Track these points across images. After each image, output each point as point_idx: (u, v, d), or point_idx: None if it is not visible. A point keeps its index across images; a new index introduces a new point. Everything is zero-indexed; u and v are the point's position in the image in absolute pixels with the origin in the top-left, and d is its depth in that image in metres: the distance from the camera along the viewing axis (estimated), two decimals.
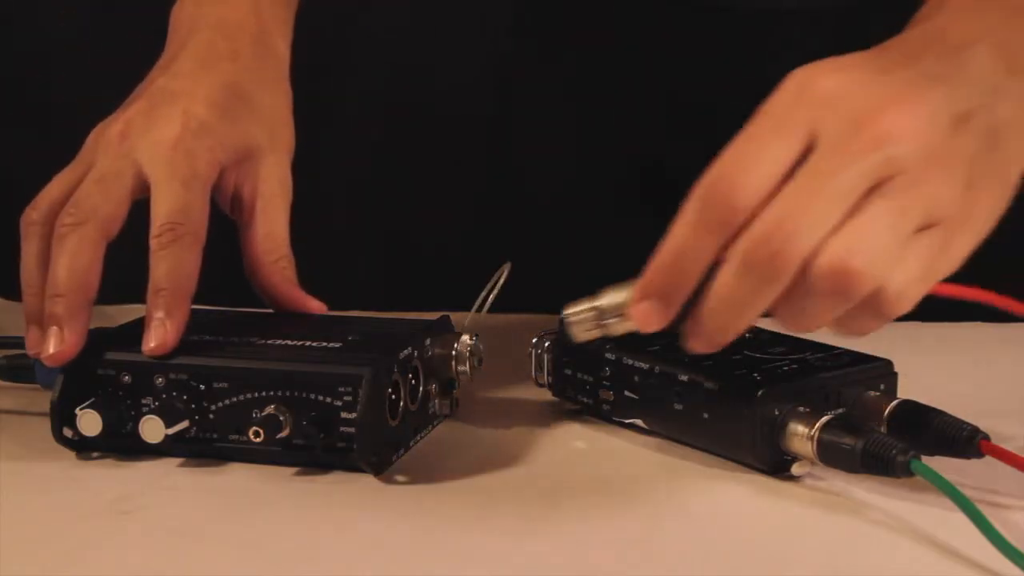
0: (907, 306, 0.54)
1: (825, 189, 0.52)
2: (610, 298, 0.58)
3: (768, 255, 0.52)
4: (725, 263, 0.54)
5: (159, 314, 0.64)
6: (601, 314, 0.58)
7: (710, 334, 0.55)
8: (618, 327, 0.58)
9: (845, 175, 0.52)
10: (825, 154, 0.53)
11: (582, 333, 0.59)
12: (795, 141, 0.53)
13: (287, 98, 0.75)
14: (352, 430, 0.60)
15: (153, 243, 0.66)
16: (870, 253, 0.52)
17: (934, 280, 0.55)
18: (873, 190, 0.52)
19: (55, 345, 0.63)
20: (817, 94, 0.54)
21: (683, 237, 0.54)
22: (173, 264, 0.65)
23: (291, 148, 0.74)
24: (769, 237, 0.52)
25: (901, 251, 0.53)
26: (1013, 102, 0.56)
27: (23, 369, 0.68)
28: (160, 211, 0.66)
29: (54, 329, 0.64)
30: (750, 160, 0.53)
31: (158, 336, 0.63)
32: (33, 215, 0.67)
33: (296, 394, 0.61)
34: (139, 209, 0.68)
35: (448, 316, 0.68)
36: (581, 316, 0.59)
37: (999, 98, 0.56)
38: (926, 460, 0.56)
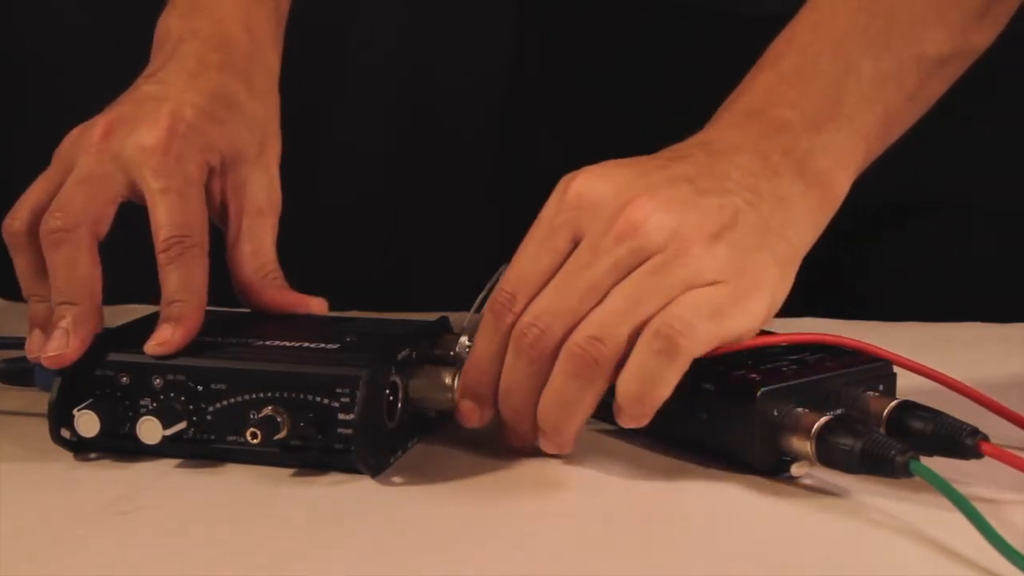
0: (688, 338, 0.58)
1: (576, 283, 0.60)
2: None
3: (529, 343, 0.60)
4: (513, 359, 0.61)
5: (169, 322, 0.64)
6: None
7: (513, 419, 0.62)
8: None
9: (597, 266, 0.60)
10: (581, 252, 0.60)
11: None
12: (560, 244, 0.61)
13: (276, 108, 0.75)
14: (350, 431, 0.60)
15: (161, 257, 0.66)
16: (605, 327, 0.59)
17: (720, 320, 0.59)
18: (625, 277, 0.59)
19: (57, 348, 0.63)
20: (576, 198, 0.61)
21: (482, 343, 0.62)
22: (184, 276, 0.65)
23: (279, 156, 0.74)
24: (528, 328, 0.60)
25: (635, 318, 0.59)
26: (771, 202, 0.62)
27: (23, 373, 0.68)
28: (162, 223, 0.66)
29: (58, 332, 0.64)
30: (523, 268, 0.61)
31: (164, 336, 0.63)
32: (16, 224, 0.67)
33: (294, 395, 0.61)
34: (135, 210, 0.68)
35: (447, 317, 0.68)
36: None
37: (759, 196, 0.62)
38: (925, 461, 0.56)
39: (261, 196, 0.72)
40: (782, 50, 0.67)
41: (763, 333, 0.66)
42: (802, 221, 0.63)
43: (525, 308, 0.61)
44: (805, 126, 0.64)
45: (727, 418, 0.61)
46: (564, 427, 0.61)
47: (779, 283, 0.62)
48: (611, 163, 0.63)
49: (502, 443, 0.65)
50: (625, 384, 0.59)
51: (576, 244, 0.61)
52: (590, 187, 0.61)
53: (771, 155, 0.64)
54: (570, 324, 0.60)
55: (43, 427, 0.63)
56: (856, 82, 0.65)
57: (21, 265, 0.67)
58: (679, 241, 0.59)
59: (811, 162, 0.64)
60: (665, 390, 0.59)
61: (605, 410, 0.66)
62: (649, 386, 0.59)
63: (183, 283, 0.65)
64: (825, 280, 0.91)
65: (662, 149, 0.65)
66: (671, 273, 0.59)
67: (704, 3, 0.88)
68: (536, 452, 0.63)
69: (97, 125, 0.69)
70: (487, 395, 0.62)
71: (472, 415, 0.63)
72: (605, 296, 0.60)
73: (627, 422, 0.60)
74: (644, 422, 0.60)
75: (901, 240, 0.90)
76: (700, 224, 0.60)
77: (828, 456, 0.58)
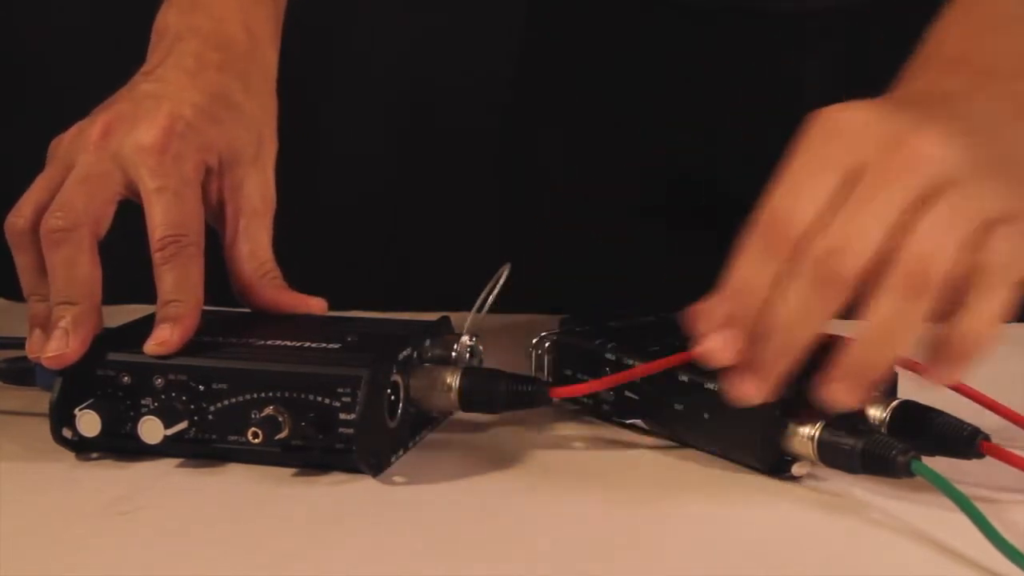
0: (1006, 279, 0.57)
1: (874, 207, 0.57)
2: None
3: (829, 270, 0.56)
4: (792, 281, 0.57)
5: (167, 322, 0.64)
6: None
7: (777, 351, 0.58)
8: None
9: (890, 193, 0.57)
10: (869, 179, 0.57)
11: None
12: (835, 174, 0.58)
13: (272, 108, 0.75)
14: (351, 431, 0.60)
15: (156, 257, 0.66)
16: (933, 243, 0.56)
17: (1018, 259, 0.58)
18: (924, 206, 0.56)
19: (58, 348, 0.63)
20: (846, 129, 0.58)
21: (747, 266, 0.58)
22: (181, 275, 0.65)
23: (275, 157, 0.74)
24: (834, 252, 0.56)
25: (963, 235, 0.56)
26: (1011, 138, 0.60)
27: (24, 372, 0.68)
28: (158, 223, 0.66)
29: (58, 332, 0.64)
30: (799, 193, 0.58)
31: (162, 336, 0.63)
32: (19, 223, 0.67)
33: (295, 395, 0.61)
34: (134, 210, 0.68)
35: (448, 317, 0.68)
36: None
37: (1000, 132, 0.60)
38: (926, 460, 0.56)
39: (257, 196, 0.72)
40: (969, 3, 0.66)
41: None
42: None
43: (802, 234, 0.57)
44: (1012, 73, 0.63)
45: (728, 418, 0.61)
46: (879, 360, 0.57)
47: None
48: (857, 101, 0.60)
49: (502, 443, 0.65)
50: (964, 320, 0.57)
51: (849, 175, 0.58)
52: (858, 117, 0.59)
53: (1000, 100, 0.62)
54: (874, 253, 0.56)
55: (44, 427, 0.63)
56: None
57: (23, 263, 0.67)
58: (972, 170, 0.57)
59: None
60: (996, 327, 0.57)
61: (606, 411, 0.66)
62: (992, 324, 0.57)
63: (179, 283, 0.65)
64: None
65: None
66: (975, 202, 0.57)
67: (705, 3, 0.88)
68: (536, 452, 0.63)
69: (96, 123, 0.69)
70: (747, 323, 0.58)
71: (728, 349, 0.59)
72: (905, 226, 0.56)
73: (952, 367, 0.57)
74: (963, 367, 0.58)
75: None
76: (977, 156, 0.58)
77: (829, 456, 0.58)
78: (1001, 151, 0.59)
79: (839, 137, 0.58)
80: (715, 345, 0.59)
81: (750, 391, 0.59)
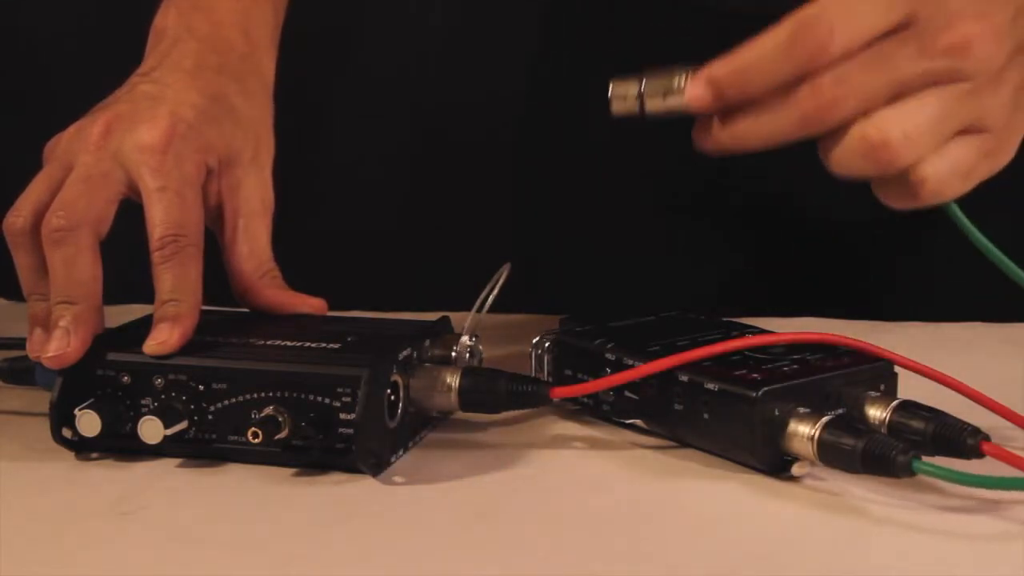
0: (938, 194, 0.61)
1: (895, 68, 0.59)
2: (654, 77, 0.63)
3: (821, 104, 0.59)
4: (792, 95, 0.59)
5: (166, 322, 0.64)
6: (646, 86, 0.63)
7: (729, 138, 0.62)
8: (655, 104, 0.63)
9: (917, 64, 0.59)
10: (907, 40, 0.59)
11: (620, 105, 0.64)
12: (895, 15, 0.59)
13: (270, 113, 0.75)
14: (351, 431, 0.60)
15: (155, 256, 0.65)
16: (908, 133, 0.59)
17: (970, 180, 0.61)
18: (932, 86, 0.59)
19: (59, 348, 0.63)
20: None
21: (767, 54, 0.60)
22: (180, 275, 0.65)
23: (272, 158, 0.74)
24: (828, 88, 0.58)
25: (938, 141, 0.60)
26: None
27: (24, 372, 0.68)
28: (157, 222, 0.66)
29: (59, 332, 0.64)
30: (853, 15, 0.59)
31: (161, 336, 0.63)
32: (19, 223, 0.67)
33: (295, 395, 0.61)
34: (135, 210, 0.68)
35: (448, 316, 0.68)
36: (625, 88, 0.64)
37: None
38: (926, 461, 0.56)
39: (256, 197, 0.72)
40: None
41: (763, 333, 0.67)
42: None
43: (834, 54, 0.59)
44: None
45: (728, 418, 0.61)
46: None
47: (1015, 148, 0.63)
48: None
49: (502, 443, 0.65)
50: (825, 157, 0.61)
51: (904, 22, 0.59)
52: None
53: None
54: (868, 108, 0.59)
55: (44, 427, 0.63)
56: None
57: (22, 263, 0.67)
58: (992, 80, 0.60)
59: None
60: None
61: (606, 411, 0.66)
62: (843, 172, 0.61)
63: (178, 282, 0.65)
64: (826, 280, 0.92)
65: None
66: (971, 106, 0.60)
67: (719, 7, 0.88)
68: (536, 452, 0.63)
69: (96, 123, 0.69)
70: (735, 100, 0.61)
71: (704, 101, 0.61)
72: (910, 95, 0.59)
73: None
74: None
75: (901, 240, 0.90)
76: (1007, 70, 0.60)
77: (829, 456, 0.58)
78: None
79: None
80: (698, 95, 0.61)
81: (713, 141, 0.62)
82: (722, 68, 0.61)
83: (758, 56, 0.60)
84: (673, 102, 0.63)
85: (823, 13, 0.59)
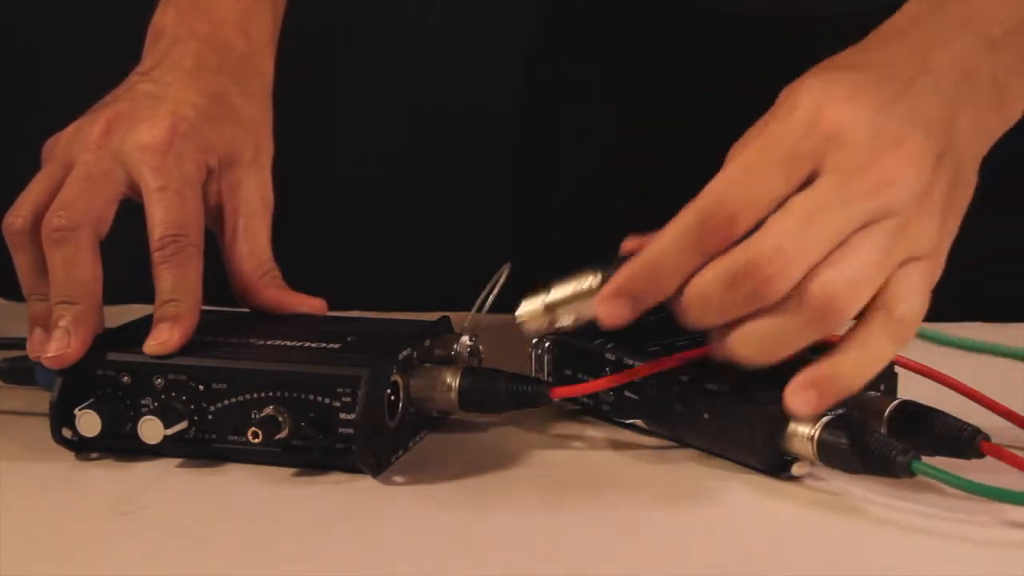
0: (903, 321, 0.57)
1: (825, 224, 0.55)
2: (560, 292, 0.60)
3: (762, 279, 0.55)
4: (709, 270, 0.56)
5: (166, 322, 0.64)
6: (552, 308, 0.60)
7: (688, 320, 0.57)
8: (567, 320, 0.60)
9: (844, 213, 0.55)
10: (828, 190, 0.55)
11: (533, 327, 0.61)
12: (800, 173, 0.56)
13: (268, 111, 0.75)
14: (351, 431, 0.60)
15: (156, 256, 0.65)
16: (857, 284, 0.55)
17: (924, 298, 0.57)
18: (863, 227, 0.55)
19: (59, 348, 0.63)
20: (827, 128, 0.56)
21: (672, 247, 0.57)
22: (180, 275, 0.65)
23: (271, 158, 0.74)
24: (766, 261, 0.55)
25: (880, 283, 0.56)
26: (964, 135, 0.59)
27: (24, 372, 0.68)
28: (158, 222, 0.66)
29: (59, 332, 0.63)
30: (755, 186, 0.56)
31: (161, 336, 0.63)
32: (18, 223, 0.66)
33: (295, 395, 0.61)
34: (135, 210, 0.68)
35: (448, 317, 0.68)
36: (534, 310, 0.61)
37: (955, 130, 0.58)
38: (926, 460, 0.56)
39: (256, 197, 0.72)
40: None
41: None
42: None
43: (743, 231, 0.55)
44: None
45: (728, 418, 0.61)
46: (767, 360, 0.57)
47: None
48: (855, 82, 0.57)
49: (502, 443, 0.65)
50: (848, 357, 0.57)
51: (811, 176, 0.56)
52: (844, 117, 0.56)
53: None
54: (809, 268, 0.55)
55: (44, 427, 0.63)
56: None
57: (22, 263, 0.67)
58: (920, 206, 0.56)
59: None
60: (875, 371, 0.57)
61: (606, 411, 0.66)
62: (872, 368, 0.57)
63: (178, 282, 0.65)
64: None
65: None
66: (905, 241, 0.56)
67: (720, 7, 0.88)
68: (536, 452, 0.63)
69: (96, 122, 0.68)
70: (649, 301, 0.58)
71: (620, 316, 0.58)
72: (845, 243, 0.55)
73: (804, 402, 0.57)
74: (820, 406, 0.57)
75: None
76: (933, 188, 0.57)
77: (829, 456, 0.58)
78: (950, 163, 0.58)
79: (817, 135, 0.56)
80: (608, 311, 0.58)
81: (617, 322, 0.58)
82: (628, 276, 0.58)
83: (662, 252, 0.57)
84: (587, 314, 0.60)
85: (722, 191, 0.56)
